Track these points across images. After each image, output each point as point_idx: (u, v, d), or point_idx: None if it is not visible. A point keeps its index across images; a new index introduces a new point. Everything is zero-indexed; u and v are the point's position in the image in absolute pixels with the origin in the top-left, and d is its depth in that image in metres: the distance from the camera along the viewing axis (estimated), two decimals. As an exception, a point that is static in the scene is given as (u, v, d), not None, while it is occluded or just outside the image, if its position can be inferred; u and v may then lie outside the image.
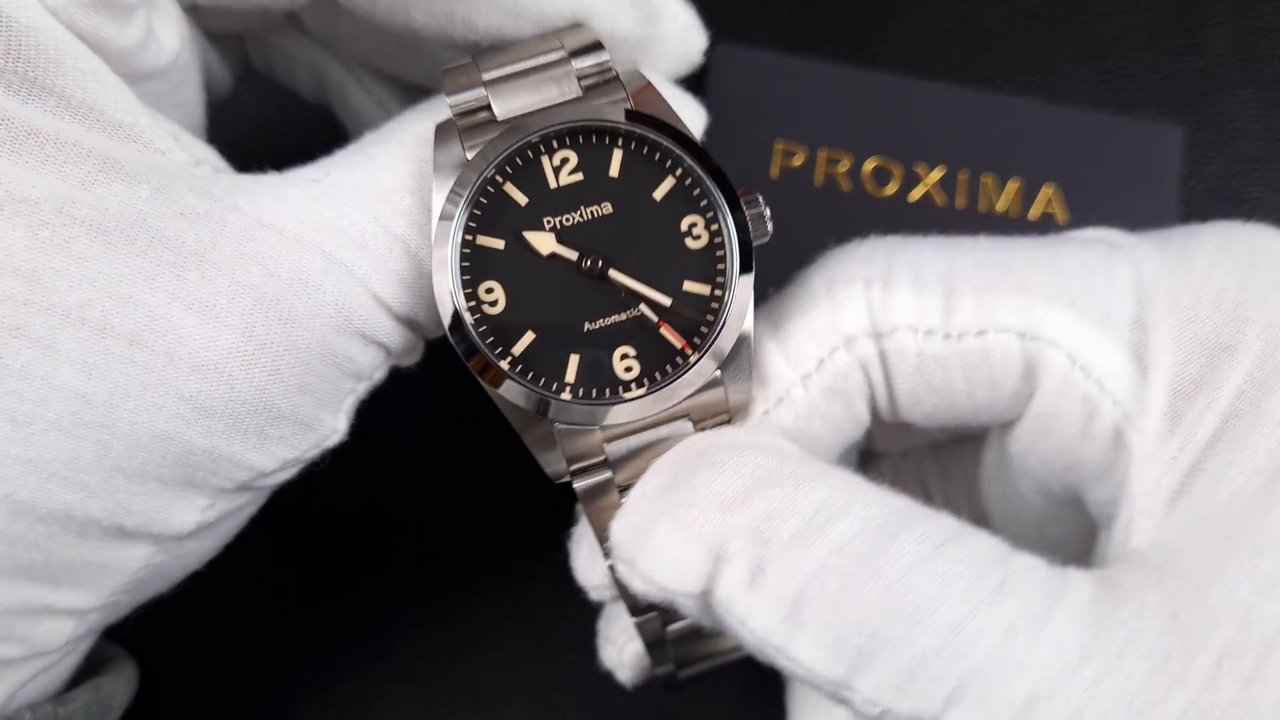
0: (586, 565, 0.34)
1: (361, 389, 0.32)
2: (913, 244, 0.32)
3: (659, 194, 0.31)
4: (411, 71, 0.39)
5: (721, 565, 0.27)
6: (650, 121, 0.31)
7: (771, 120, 0.48)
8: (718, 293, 0.30)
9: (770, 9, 0.50)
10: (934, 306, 0.30)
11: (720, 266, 0.31)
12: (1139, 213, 0.46)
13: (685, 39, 0.35)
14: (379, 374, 0.32)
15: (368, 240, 0.29)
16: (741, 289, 0.30)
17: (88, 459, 0.27)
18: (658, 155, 0.31)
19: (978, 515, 0.40)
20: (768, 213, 0.31)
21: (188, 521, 0.30)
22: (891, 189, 0.47)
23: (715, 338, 0.30)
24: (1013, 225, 0.46)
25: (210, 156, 0.31)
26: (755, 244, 0.31)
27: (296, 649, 0.44)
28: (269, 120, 0.49)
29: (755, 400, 0.31)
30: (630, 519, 0.29)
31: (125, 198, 0.28)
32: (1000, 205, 0.47)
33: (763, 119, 0.48)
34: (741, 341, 0.30)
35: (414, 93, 0.40)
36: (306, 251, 0.29)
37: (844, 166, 0.47)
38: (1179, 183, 0.47)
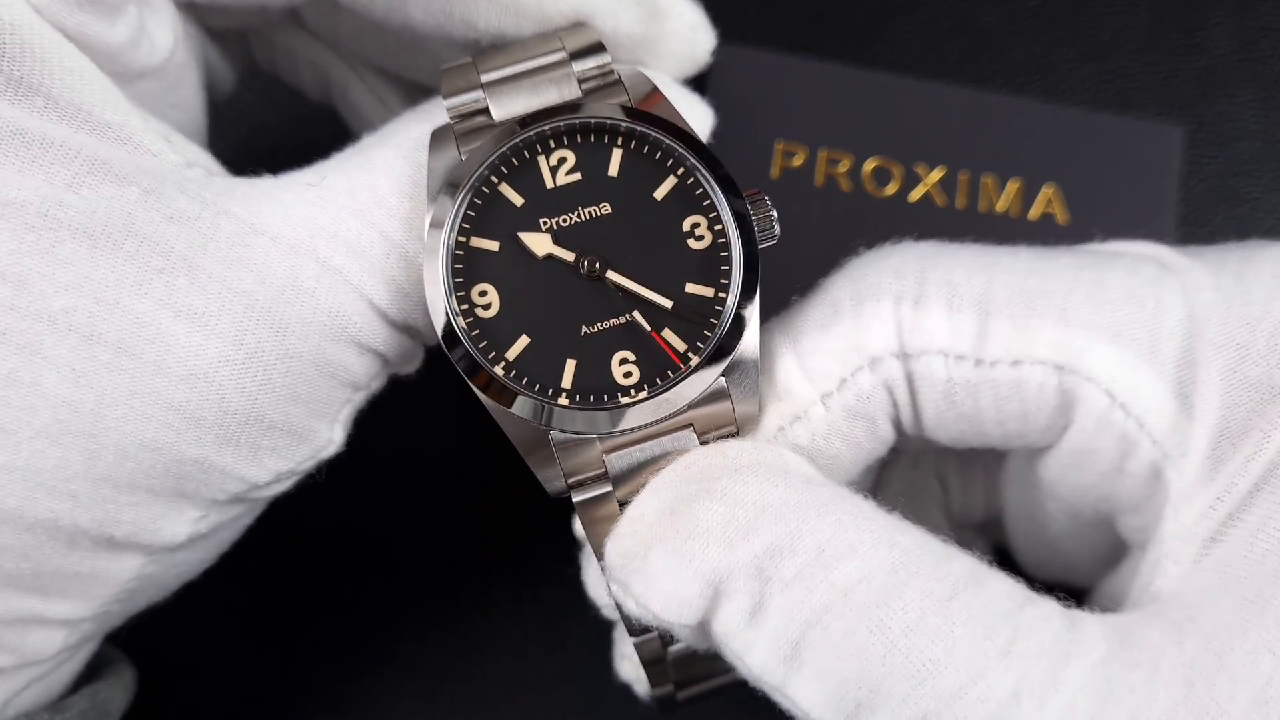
0: (596, 582, 0.33)
1: (359, 399, 0.31)
2: (948, 256, 0.30)
3: (660, 193, 0.30)
4: (413, 69, 0.39)
5: (720, 599, 0.26)
6: (651, 119, 0.30)
7: (771, 120, 0.48)
8: (721, 295, 0.29)
9: (771, 9, 0.50)
10: (967, 331, 0.28)
11: (724, 268, 0.29)
12: (1139, 213, 0.46)
13: (691, 39, 0.34)
14: (376, 383, 0.31)
15: (364, 246, 0.29)
16: (746, 292, 0.29)
17: (75, 468, 0.27)
18: (658, 154, 0.30)
19: (994, 513, 0.39)
20: (775, 214, 0.30)
21: (179, 533, 0.29)
22: (891, 189, 0.47)
23: (718, 341, 0.29)
24: (1012, 225, 0.46)
25: (203, 159, 0.31)
26: (762, 246, 0.30)
27: (298, 651, 0.44)
28: (270, 121, 0.49)
29: (769, 414, 0.30)
30: (626, 541, 0.28)
31: (113, 200, 0.27)
32: (1000, 205, 0.47)
33: (763, 119, 0.48)
34: (748, 348, 0.29)
35: (417, 90, 0.40)
36: (300, 258, 0.28)
37: (844, 166, 0.47)
38: (1179, 183, 0.47)
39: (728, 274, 0.29)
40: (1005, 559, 0.40)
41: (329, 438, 0.30)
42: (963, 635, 0.24)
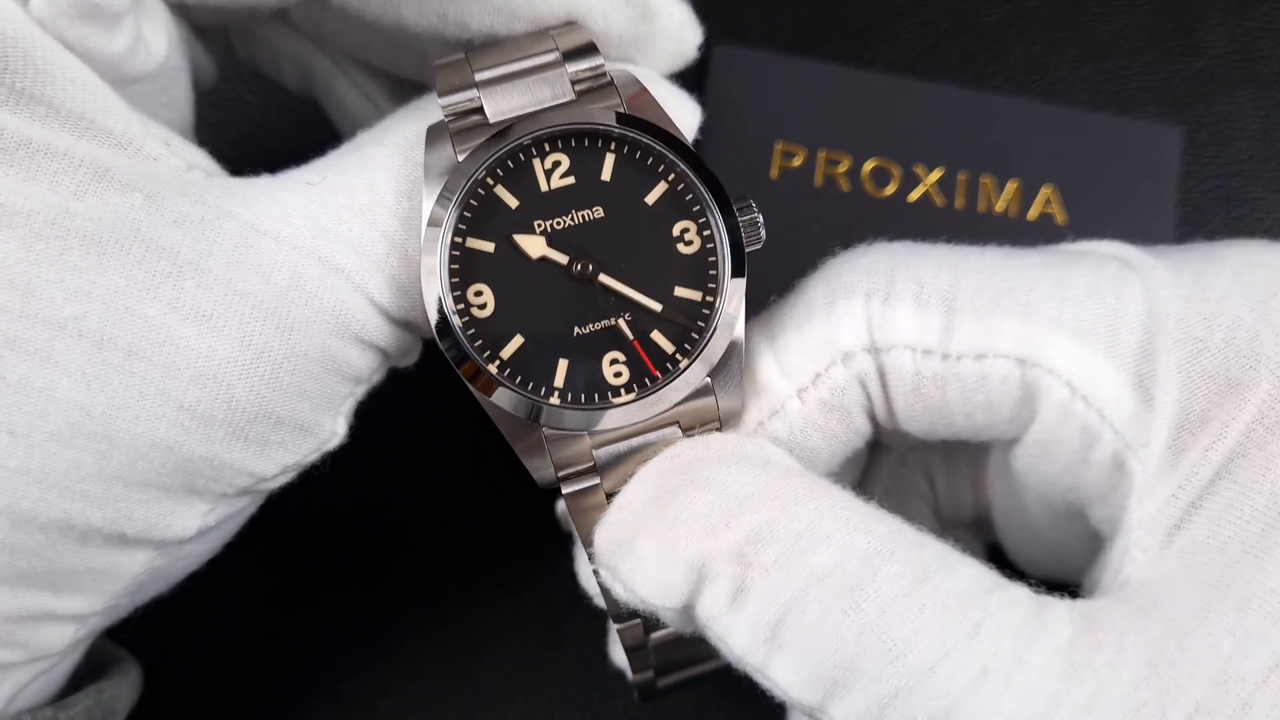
0: (586, 571, 0.34)
1: (360, 391, 0.31)
2: (917, 254, 0.31)
3: (651, 199, 0.31)
4: (401, 65, 0.39)
5: (704, 584, 0.27)
6: (643, 126, 0.30)
7: (771, 121, 0.48)
8: (709, 299, 0.30)
9: (770, 9, 0.50)
10: (934, 326, 0.30)
11: (712, 272, 0.30)
12: (1138, 213, 0.46)
13: (680, 36, 0.34)
14: (377, 376, 0.32)
15: (364, 245, 0.29)
16: (733, 295, 0.30)
17: (88, 469, 0.27)
18: (650, 160, 0.31)
19: (982, 508, 0.40)
20: (760, 219, 0.31)
21: (189, 527, 0.30)
22: (890, 190, 0.47)
23: (706, 344, 0.30)
24: (1012, 226, 0.46)
25: (202, 160, 0.31)
26: (748, 250, 0.30)
27: (300, 648, 0.44)
28: (269, 120, 0.49)
29: (749, 410, 0.31)
30: (613, 529, 0.29)
31: (119, 207, 0.27)
32: (999, 206, 0.47)
33: (762, 119, 0.48)
34: (733, 349, 0.30)
35: (402, 85, 0.40)
36: (303, 257, 0.29)
37: (843, 167, 0.47)
38: (1178, 183, 0.47)
39: (715, 278, 0.30)
40: (998, 557, 0.41)
41: (333, 430, 0.31)
42: (933, 616, 0.25)
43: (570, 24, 0.32)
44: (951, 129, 0.47)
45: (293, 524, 0.45)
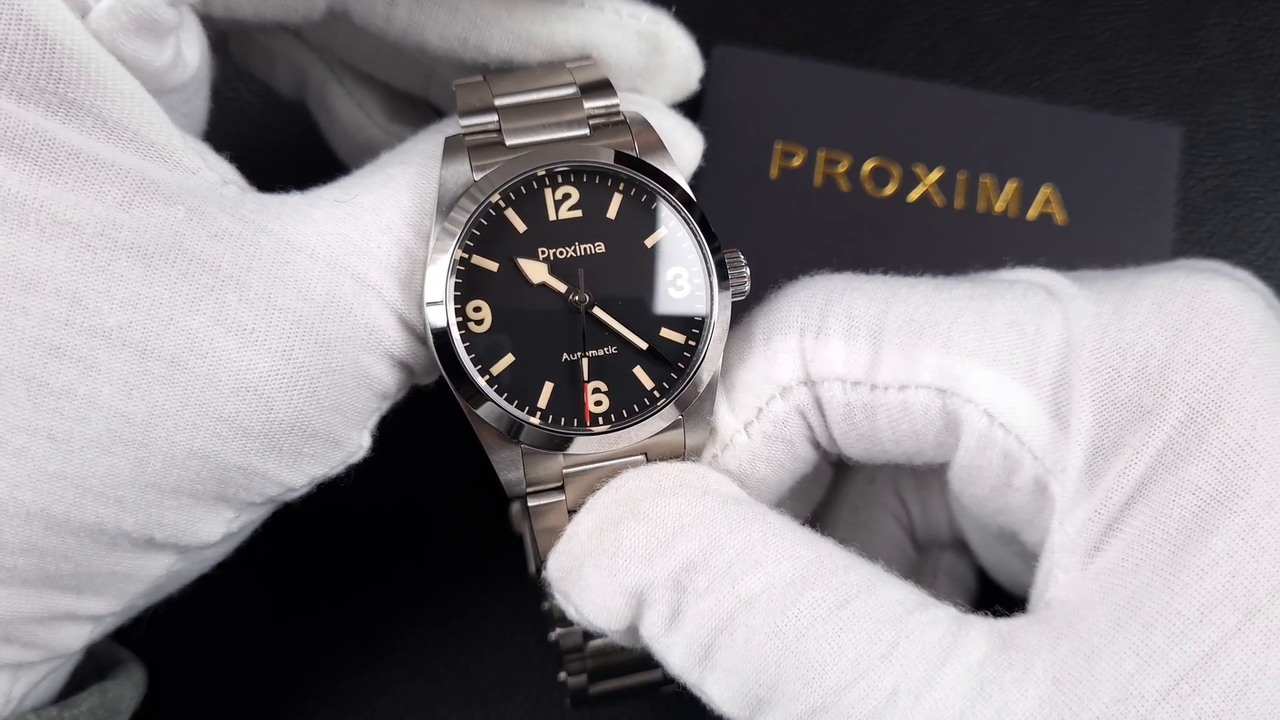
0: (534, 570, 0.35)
1: (385, 407, 0.32)
2: (852, 288, 0.32)
3: (650, 242, 0.32)
4: (402, 79, 0.40)
5: (643, 608, 0.29)
6: (651, 171, 0.32)
7: (771, 121, 0.48)
8: (691, 343, 0.32)
9: (770, 9, 0.50)
10: (861, 359, 0.31)
11: (698, 319, 0.32)
12: (1137, 213, 0.46)
13: (687, 69, 0.36)
14: (402, 393, 0.33)
15: (393, 263, 0.30)
16: (715, 343, 0.32)
17: (124, 475, 0.28)
18: (653, 205, 0.32)
19: (955, 524, 0.40)
20: (748, 272, 0.32)
21: (215, 533, 0.30)
22: (890, 189, 0.47)
23: (684, 386, 0.31)
24: (1011, 226, 0.46)
25: (234, 176, 0.32)
26: (733, 300, 0.32)
27: (299, 648, 0.44)
28: (269, 120, 0.49)
29: (707, 445, 0.33)
30: (564, 557, 0.30)
31: (163, 219, 0.28)
32: (999, 206, 0.47)
33: (762, 119, 0.48)
34: (707, 391, 0.32)
35: (397, 98, 0.41)
36: (337, 274, 0.29)
37: (843, 167, 0.47)
38: (1177, 183, 0.47)
39: (700, 324, 0.32)
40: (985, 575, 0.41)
41: (359, 443, 0.32)
42: (849, 639, 0.27)
43: (585, 58, 0.34)
44: (951, 129, 0.48)
45: (293, 524, 0.45)
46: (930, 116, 0.48)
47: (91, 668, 0.34)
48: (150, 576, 0.30)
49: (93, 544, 0.28)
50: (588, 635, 0.34)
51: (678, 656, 0.29)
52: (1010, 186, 0.47)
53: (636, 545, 0.29)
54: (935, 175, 0.47)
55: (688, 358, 0.32)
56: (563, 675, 0.37)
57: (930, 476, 0.40)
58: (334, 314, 0.29)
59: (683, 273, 0.32)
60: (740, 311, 0.33)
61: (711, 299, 0.32)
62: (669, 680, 0.35)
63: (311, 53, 0.40)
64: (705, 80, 0.48)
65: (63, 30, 0.28)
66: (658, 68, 0.35)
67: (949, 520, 0.40)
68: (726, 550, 0.28)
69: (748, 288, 0.32)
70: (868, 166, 0.47)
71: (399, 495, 0.46)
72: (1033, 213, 0.47)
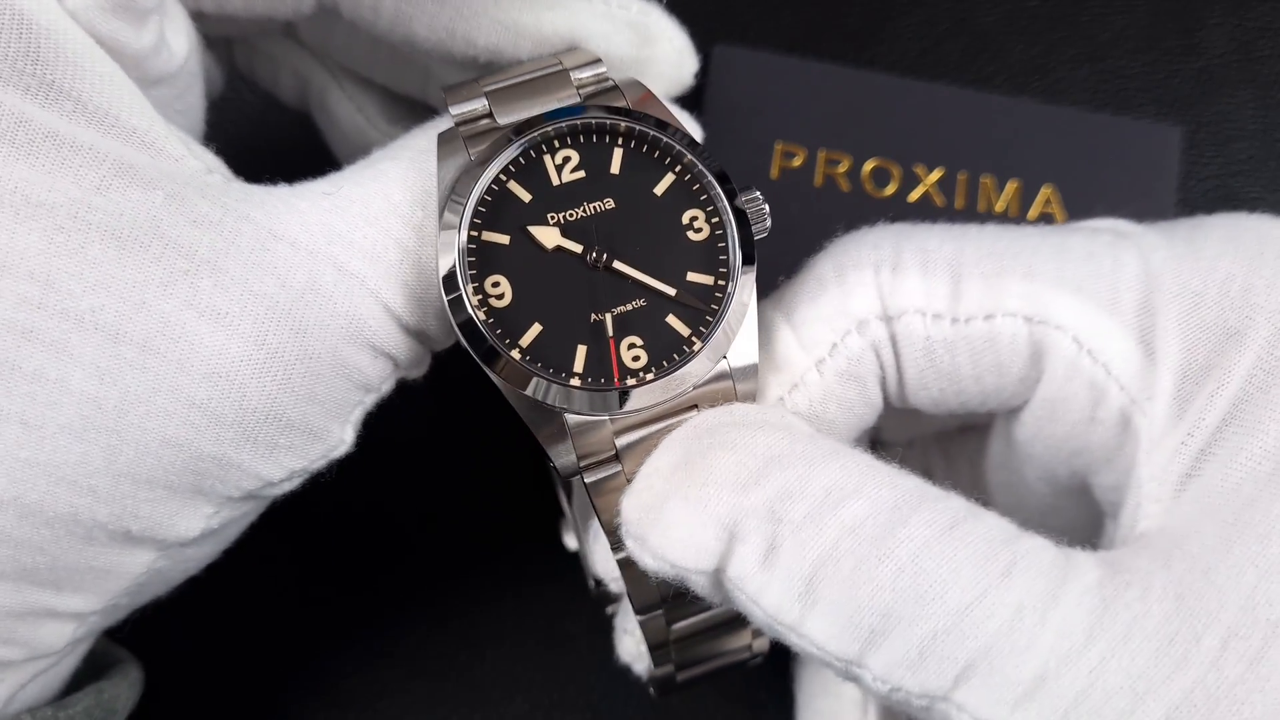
0: (606, 556, 0.34)
1: (369, 401, 0.32)
2: (921, 230, 0.32)
3: (660, 189, 0.31)
4: (401, 82, 0.40)
5: (735, 543, 0.27)
6: (649, 119, 0.31)
7: (771, 121, 0.48)
8: (721, 283, 0.31)
9: (770, 9, 0.50)
10: (941, 290, 0.31)
11: (722, 258, 0.31)
12: (1137, 213, 0.46)
13: (679, 62, 0.35)
14: (387, 386, 0.32)
15: (379, 253, 0.30)
16: (744, 279, 0.31)
17: (97, 463, 0.27)
18: (657, 152, 0.31)
19: (986, 488, 0.40)
20: (766, 206, 0.31)
21: (193, 528, 0.30)
22: (890, 189, 0.47)
23: (719, 325, 0.30)
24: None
25: (219, 166, 0.31)
26: (756, 237, 0.31)
27: (300, 648, 0.44)
28: (269, 120, 0.49)
29: (770, 386, 0.31)
30: (642, 496, 0.29)
31: (140, 203, 0.28)
32: (999, 206, 0.47)
33: (762, 119, 0.48)
34: (746, 328, 0.31)
35: (398, 102, 0.41)
36: (319, 263, 0.29)
37: (843, 167, 0.47)
38: (1177, 183, 0.47)
39: (726, 263, 0.31)
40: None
41: (340, 438, 0.31)
42: (966, 558, 0.26)
43: (574, 49, 0.33)
44: (951, 129, 0.48)
45: (293, 524, 0.45)
46: (930, 116, 0.48)
47: (88, 668, 0.34)
48: (130, 573, 0.30)
49: (67, 535, 0.28)
50: (670, 620, 0.33)
51: (774, 596, 0.27)
52: (1010, 186, 0.47)
53: (728, 474, 0.27)
54: (935, 175, 0.47)
55: (719, 298, 0.31)
56: (632, 660, 0.36)
57: (957, 454, 0.40)
58: (312, 301, 0.29)
59: (699, 214, 0.31)
60: (769, 283, 0.33)
61: (734, 235, 0.31)
62: (753, 655, 0.34)
63: (312, 59, 0.40)
64: (705, 80, 0.48)
65: (38, 10, 0.27)
66: (648, 59, 0.35)
67: (972, 495, 0.40)
68: (823, 478, 0.27)
69: (769, 222, 0.31)
70: (868, 166, 0.47)
71: (399, 495, 0.46)
72: (1033, 213, 0.47)
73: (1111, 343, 0.30)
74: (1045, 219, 0.47)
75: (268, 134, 0.49)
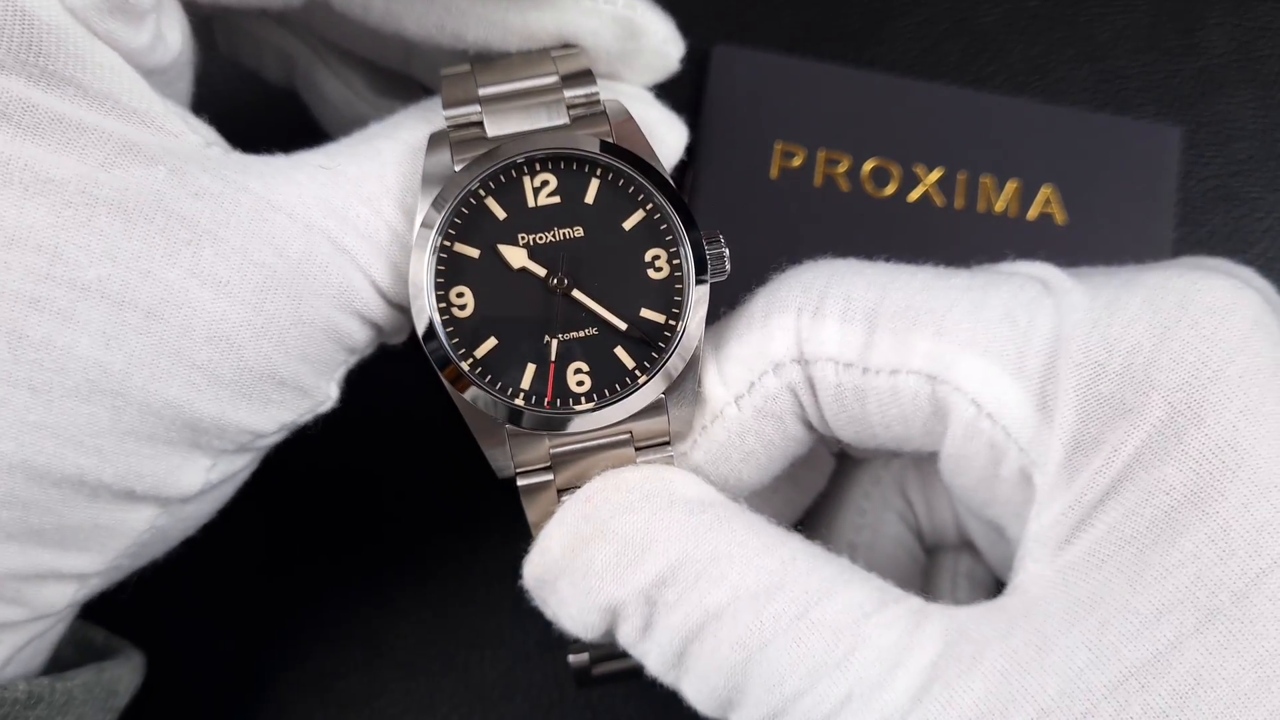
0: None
1: (353, 360, 0.34)
2: (853, 272, 0.33)
3: (628, 224, 0.33)
4: (384, 56, 0.40)
5: (618, 620, 0.31)
6: (629, 157, 0.32)
7: (771, 121, 0.48)
8: (672, 322, 0.32)
9: (770, 9, 0.50)
10: (855, 341, 0.31)
11: (677, 299, 0.32)
12: (1137, 213, 0.46)
13: (664, 51, 0.36)
14: (369, 349, 0.34)
15: (370, 231, 0.31)
16: (695, 322, 0.32)
17: (103, 424, 0.29)
18: (631, 189, 0.33)
19: (961, 524, 0.40)
20: (727, 253, 0.33)
21: (194, 483, 0.31)
22: (890, 189, 0.47)
23: (664, 364, 0.32)
24: (1011, 226, 0.46)
25: (217, 139, 0.33)
26: (712, 281, 0.33)
27: (298, 647, 0.44)
28: (257, 101, 0.49)
29: (696, 417, 0.33)
30: (538, 568, 0.32)
31: (144, 178, 0.29)
32: (999, 206, 0.47)
33: (762, 119, 0.48)
34: (689, 369, 0.32)
35: (382, 74, 0.41)
36: (314, 236, 0.30)
37: (843, 167, 0.47)
38: (1177, 183, 0.47)
39: (679, 304, 0.33)
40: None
41: (327, 393, 0.33)
42: (807, 648, 0.28)
43: (569, 47, 0.34)
44: (951, 129, 0.48)
45: (292, 523, 0.45)
46: (930, 116, 0.48)
47: (89, 657, 0.35)
48: (133, 530, 0.31)
49: (75, 495, 0.29)
50: None
51: (653, 661, 0.30)
52: (1010, 186, 0.47)
53: (607, 565, 0.30)
54: (935, 175, 0.47)
55: (668, 337, 0.32)
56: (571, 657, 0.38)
57: (932, 474, 0.40)
58: (307, 271, 0.30)
59: (661, 254, 0.33)
60: (738, 298, 0.34)
61: (689, 279, 0.32)
62: None
63: (295, 37, 0.41)
64: (705, 80, 0.48)
65: (40, 6, 0.29)
66: (634, 52, 0.36)
67: (955, 520, 0.40)
68: (694, 563, 0.30)
69: (727, 267, 0.33)
70: (868, 166, 0.47)
71: (399, 495, 0.46)
72: (1033, 213, 0.47)
73: (1012, 406, 0.30)
74: (1045, 219, 0.47)
75: (255, 113, 0.49)
